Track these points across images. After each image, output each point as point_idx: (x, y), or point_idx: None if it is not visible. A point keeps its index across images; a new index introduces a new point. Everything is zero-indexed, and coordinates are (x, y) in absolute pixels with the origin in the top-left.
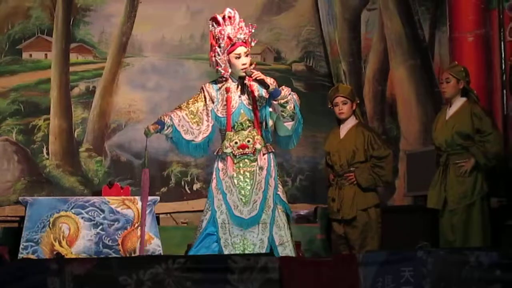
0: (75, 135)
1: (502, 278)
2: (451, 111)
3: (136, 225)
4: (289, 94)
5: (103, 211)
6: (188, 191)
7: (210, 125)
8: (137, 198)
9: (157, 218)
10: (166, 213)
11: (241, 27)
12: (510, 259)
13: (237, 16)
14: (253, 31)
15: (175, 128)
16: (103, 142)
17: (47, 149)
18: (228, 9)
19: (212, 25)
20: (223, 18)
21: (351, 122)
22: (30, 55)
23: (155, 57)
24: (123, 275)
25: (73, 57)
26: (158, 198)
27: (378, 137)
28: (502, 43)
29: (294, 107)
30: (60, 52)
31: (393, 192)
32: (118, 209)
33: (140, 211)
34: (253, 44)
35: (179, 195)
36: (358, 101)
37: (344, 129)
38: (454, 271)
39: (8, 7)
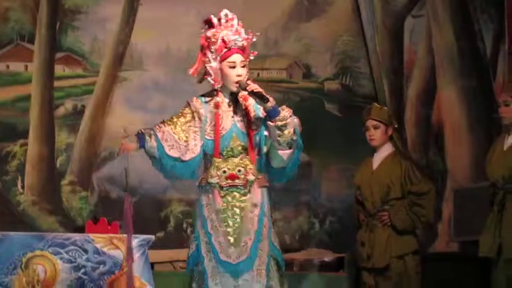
0: (57, 165)
1: None
2: (510, 140)
3: (125, 269)
4: (290, 116)
5: (86, 251)
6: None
7: (199, 144)
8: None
9: (151, 264)
10: (162, 262)
11: (239, 32)
12: None
13: (235, 19)
14: (254, 40)
15: (159, 142)
16: (90, 173)
17: (22, 181)
18: (225, 11)
19: (205, 27)
20: (219, 20)
21: (387, 150)
22: (7, 66)
23: (158, 71)
24: None
25: (58, 70)
26: (153, 237)
27: (418, 169)
28: None
29: (294, 132)
30: (43, 63)
31: (435, 239)
32: (105, 249)
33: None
34: (252, 57)
35: (179, 241)
36: (396, 126)
37: (378, 159)
38: None
39: None
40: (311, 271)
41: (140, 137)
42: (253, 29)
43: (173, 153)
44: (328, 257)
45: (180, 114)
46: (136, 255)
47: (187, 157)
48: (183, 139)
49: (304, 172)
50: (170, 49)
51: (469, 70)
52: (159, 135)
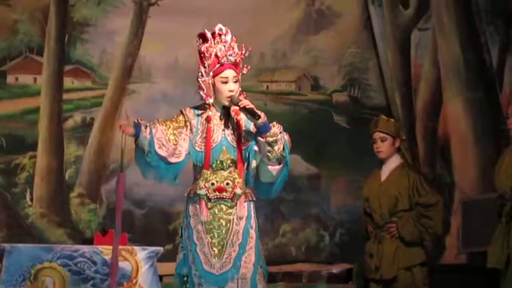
0: (66, 177)
1: None
2: None
3: (134, 280)
4: (280, 132)
5: (94, 263)
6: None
7: (184, 152)
8: (136, 248)
9: (160, 276)
10: (170, 275)
11: (232, 47)
12: None
13: (229, 34)
14: (246, 54)
15: (152, 136)
16: (99, 186)
17: (31, 193)
18: (219, 25)
19: (198, 42)
20: (213, 34)
21: (395, 162)
22: (16, 79)
23: (166, 83)
24: None
25: (67, 82)
26: (161, 249)
27: (426, 181)
28: None
29: (283, 149)
30: (52, 76)
31: (443, 251)
32: None
33: (139, 264)
34: (245, 71)
35: None
36: (404, 137)
37: (386, 171)
38: None
39: None
40: (319, 283)
41: (137, 126)
42: (262, 42)
43: (161, 151)
44: (337, 268)
45: (173, 119)
46: (145, 267)
47: (172, 159)
48: (172, 142)
49: (313, 184)
50: (179, 62)
51: (475, 82)
52: (153, 130)
